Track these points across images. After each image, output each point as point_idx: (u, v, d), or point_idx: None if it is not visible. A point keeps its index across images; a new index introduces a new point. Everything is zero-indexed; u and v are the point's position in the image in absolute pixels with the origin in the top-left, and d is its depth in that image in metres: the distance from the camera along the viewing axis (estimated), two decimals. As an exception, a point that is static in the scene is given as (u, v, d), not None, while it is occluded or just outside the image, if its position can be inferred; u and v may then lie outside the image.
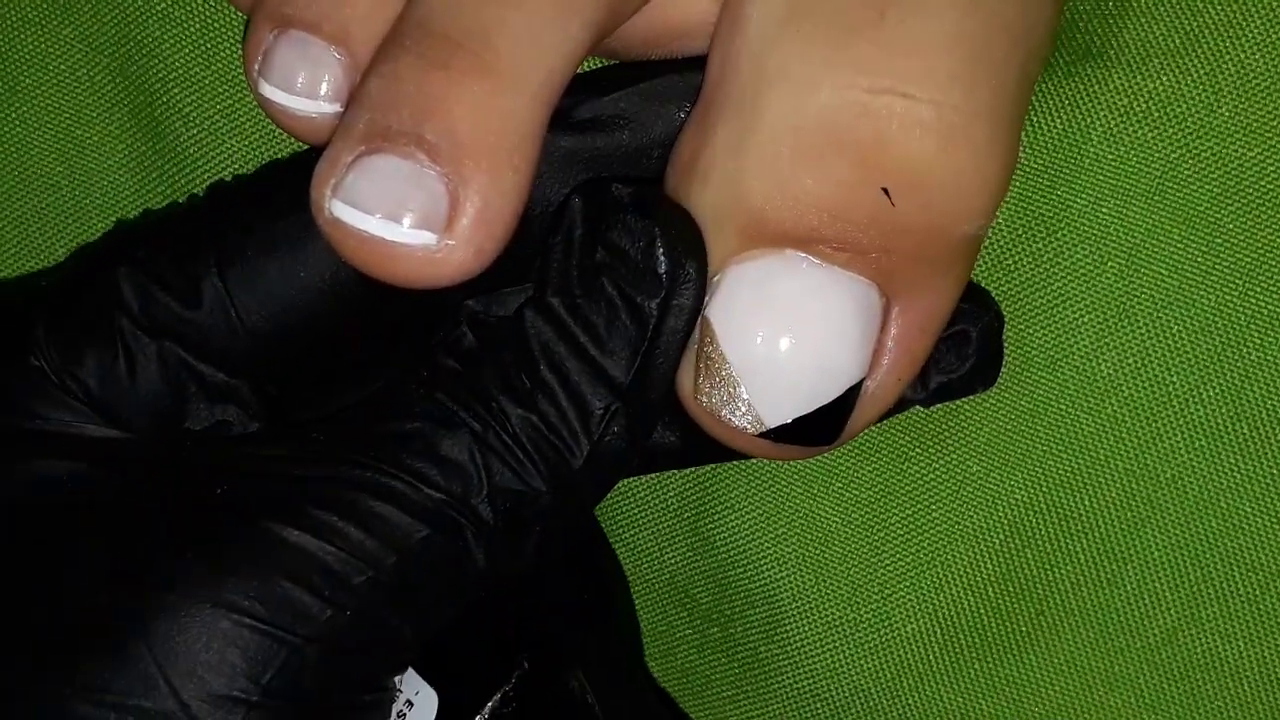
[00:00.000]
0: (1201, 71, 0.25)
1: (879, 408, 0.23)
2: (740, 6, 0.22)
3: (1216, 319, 0.26)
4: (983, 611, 0.28)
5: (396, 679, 0.22)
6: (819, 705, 0.29)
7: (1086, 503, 0.27)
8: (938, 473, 0.28)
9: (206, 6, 0.28)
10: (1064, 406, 0.27)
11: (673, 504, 0.29)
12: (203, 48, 0.28)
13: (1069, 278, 0.26)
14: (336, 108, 0.23)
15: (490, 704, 0.24)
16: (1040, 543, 0.27)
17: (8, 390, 0.23)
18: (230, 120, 0.28)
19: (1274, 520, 0.26)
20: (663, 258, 0.21)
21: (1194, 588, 0.27)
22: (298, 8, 0.23)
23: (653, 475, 0.29)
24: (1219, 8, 0.25)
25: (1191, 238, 0.26)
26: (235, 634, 0.20)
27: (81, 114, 0.28)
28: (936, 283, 0.22)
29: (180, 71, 0.28)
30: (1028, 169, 0.26)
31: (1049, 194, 0.26)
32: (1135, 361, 0.26)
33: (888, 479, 0.28)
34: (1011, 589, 0.28)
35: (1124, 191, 0.26)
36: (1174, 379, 0.26)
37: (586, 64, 0.24)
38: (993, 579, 0.28)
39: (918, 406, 0.25)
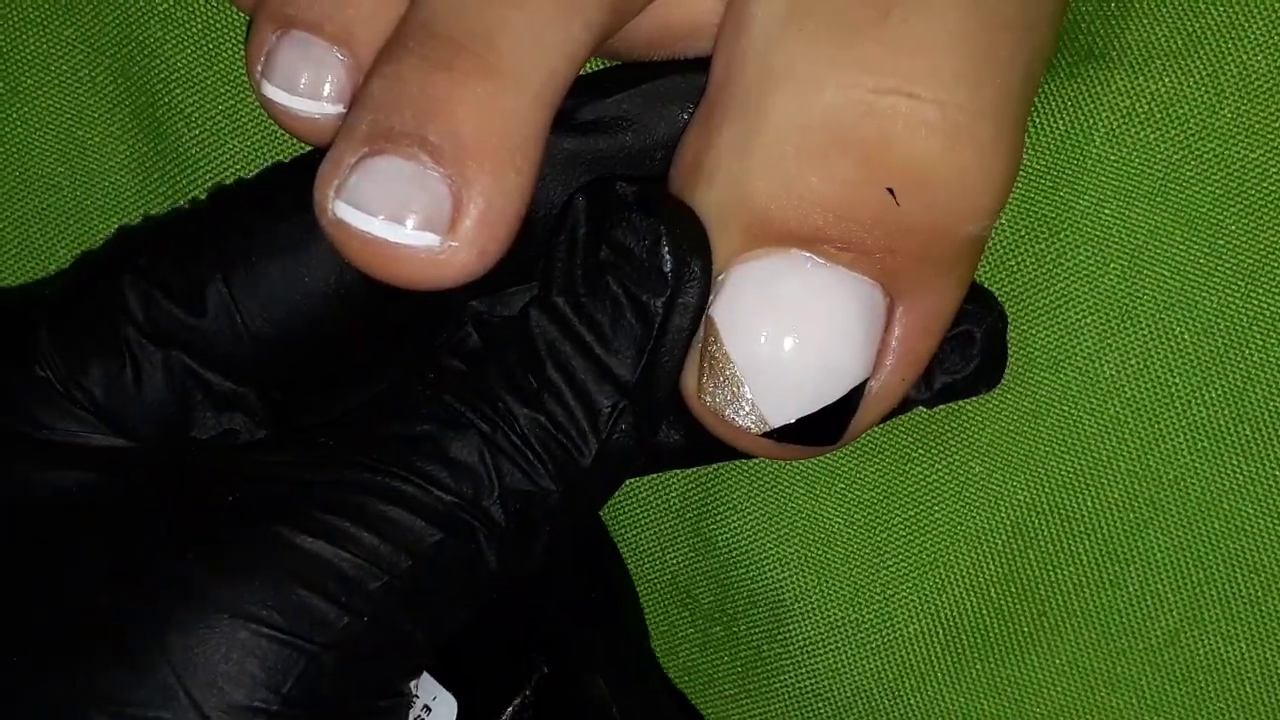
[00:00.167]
0: (1204, 73, 0.25)
1: (883, 408, 0.23)
2: (744, 6, 0.22)
3: (1219, 320, 0.26)
4: (985, 612, 0.28)
5: (412, 684, 0.22)
6: (821, 705, 0.29)
7: (1089, 504, 0.27)
8: (940, 474, 0.28)
9: (208, 7, 0.27)
10: (1066, 408, 0.27)
11: (675, 504, 0.29)
12: (205, 48, 0.28)
13: (1071, 279, 0.26)
14: (339, 109, 0.23)
15: (510, 709, 0.24)
16: (1043, 544, 0.27)
17: (14, 400, 0.23)
18: (232, 121, 0.28)
19: (1276, 521, 0.26)
20: (668, 256, 0.21)
21: (1196, 589, 0.27)
22: (300, 8, 0.23)
23: (655, 475, 0.29)
24: (1221, 9, 0.25)
25: (1194, 239, 0.26)
26: (254, 644, 0.20)
27: (83, 114, 0.28)
28: (941, 283, 0.22)
29: (182, 72, 0.28)
30: (1030, 170, 0.26)
31: (1051, 195, 0.26)
32: (1138, 363, 0.26)
33: (890, 480, 0.28)
34: (1014, 590, 0.28)
35: (1126, 193, 0.26)
36: (1176, 380, 0.26)
37: (589, 65, 0.24)
38: (995, 580, 0.28)
39: (921, 407, 0.25)
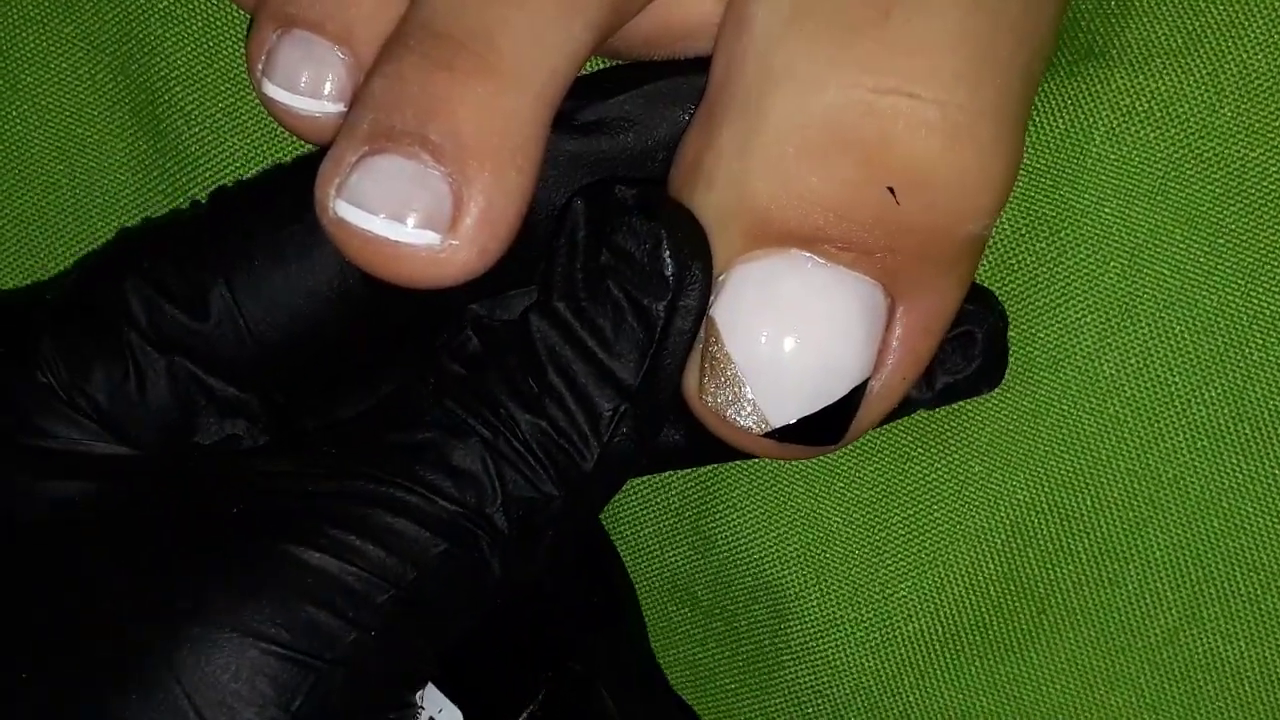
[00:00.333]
0: (1204, 71, 0.25)
1: (884, 408, 0.23)
2: (745, 6, 0.22)
3: (1219, 319, 0.26)
4: (984, 611, 0.28)
5: (418, 695, 0.22)
6: (821, 701, 0.29)
7: (1088, 503, 0.27)
8: (939, 473, 0.28)
9: (209, 5, 0.27)
10: (1066, 407, 0.27)
11: (674, 503, 0.29)
12: (205, 46, 0.28)
13: (1071, 277, 0.26)
14: (340, 107, 0.23)
15: None
16: (1042, 542, 0.27)
17: (14, 406, 0.23)
18: (232, 119, 0.28)
19: (1275, 520, 0.26)
20: (669, 260, 0.21)
21: (1195, 587, 0.27)
22: (301, 7, 0.23)
23: (655, 475, 0.29)
24: (1221, 8, 0.25)
25: (1194, 238, 0.26)
26: (263, 662, 0.20)
27: (82, 112, 0.28)
28: (941, 282, 0.22)
29: (182, 70, 0.28)
30: (1030, 169, 0.26)
31: (1051, 194, 0.26)
32: (1138, 362, 0.26)
33: (889, 479, 0.28)
34: (1013, 588, 0.28)
35: (1126, 191, 0.26)
36: (1176, 379, 0.26)
37: (590, 65, 0.24)
38: (994, 578, 0.28)
39: (922, 408, 0.25)
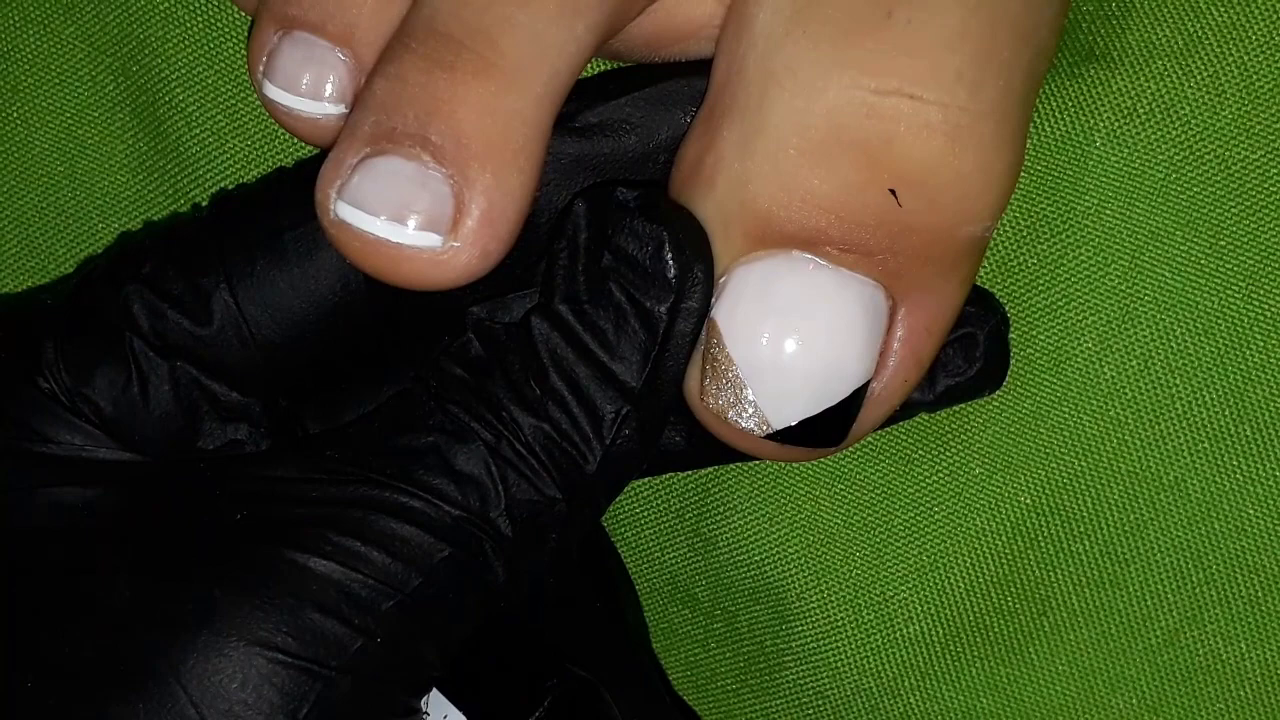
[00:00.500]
0: (1205, 74, 0.25)
1: (885, 410, 0.23)
2: (746, 8, 0.22)
3: (1219, 322, 0.26)
4: (985, 612, 0.28)
5: (424, 701, 0.22)
6: (822, 703, 0.29)
7: (1089, 505, 0.27)
8: (940, 475, 0.28)
9: (210, 6, 0.27)
10: (1067, 409, 0.27)
11: (675, 505, 0.29)
12: (206, 47, 0.28)
13: (1072, 279, 0.26)
14: (341, 109, 0.23)
15: None
16: (1043, 544, 0.27)
17: (17, 413, 0.23)
18: (233, 121, 0.28)
19: (1276, 522, 0.26)
20: (671, 262, 0.21)
21: (1196, 589, 0.27)
22: (302, 8, 0.23)
23: (656, 476, 0.29)
24: (1222, 10, 0.25)
25: (1195, 240, 0.26)
26: (270, 671, 0.20)
27: (83, 113, 0.28)
28: (943, 284, 0.22)
29: (183, 71, 0.28)
30: (1031, 171, 0.26)
31: (1052, 196, 0.26)
32: (1139, 364, 0.26)
33: (890, 481, 0.28)
34: (1014, 590, 0.28)
35: (1127, 193, 0.26)
36: (1177, 381, 0.26)
37: (591, 67, 0.24)
38: (995, 580, 0.28)
39: (923, 411, 0.25)
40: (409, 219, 0.21)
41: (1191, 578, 0.27)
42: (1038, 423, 0.27)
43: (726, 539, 0.29)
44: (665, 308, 0.21)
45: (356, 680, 0.20)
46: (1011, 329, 0.26)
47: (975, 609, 0.28)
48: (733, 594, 0.29)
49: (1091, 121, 0.26)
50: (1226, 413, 0.26)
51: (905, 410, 0.24)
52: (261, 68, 0.23)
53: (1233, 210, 0.25)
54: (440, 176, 0.21)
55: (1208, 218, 0.26)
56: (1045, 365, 0.27)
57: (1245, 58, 0.25)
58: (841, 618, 0.28)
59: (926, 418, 0.27)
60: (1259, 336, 0.26)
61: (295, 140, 0.27)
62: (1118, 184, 0.26)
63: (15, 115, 0.28)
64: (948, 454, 0.27)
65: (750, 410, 0.22)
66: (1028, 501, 0.27)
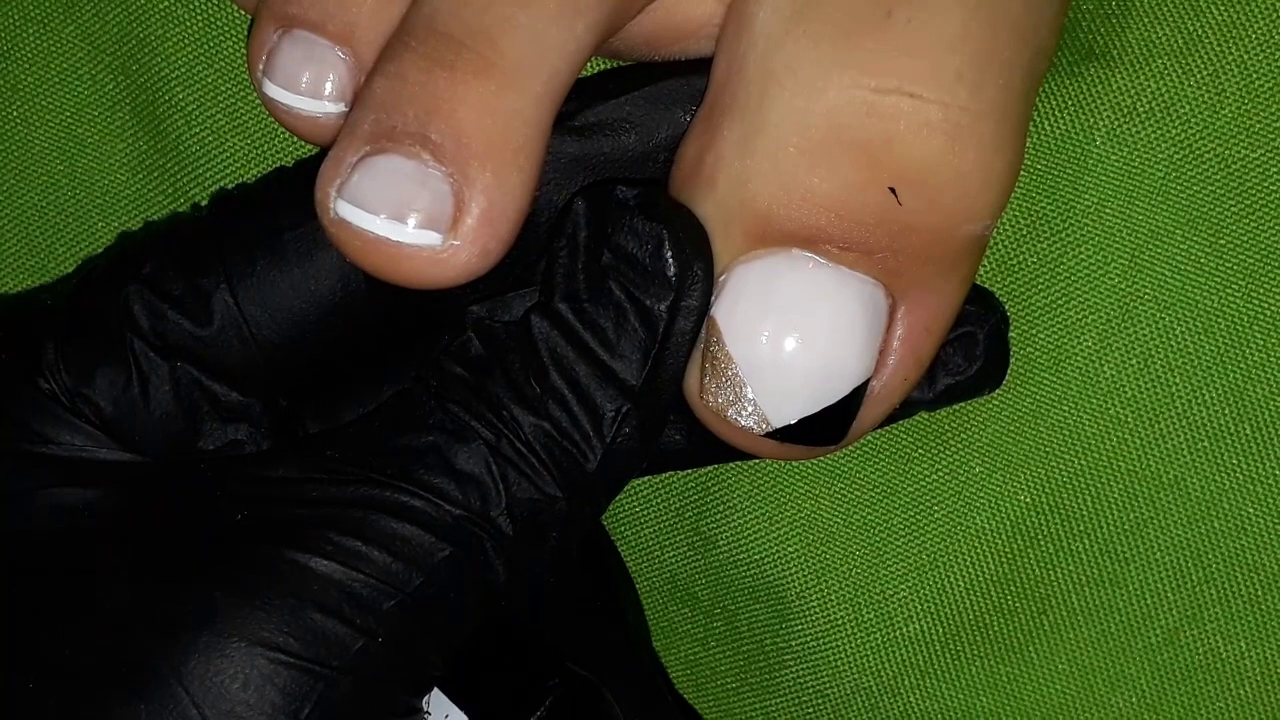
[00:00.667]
0: (1205, 72, 0.25)
1: (884, 408, 0.23)
2: (746, 7, 0.22)
3: (1219, 320, 0.26)
4: (985, 611, 0.28)
5: (425, 700, 0.22)
6: (822, 701, 0.29)
7: (1089, 503, 0.27)
8: (940, 473, 0.28)
9: (210, 5, 0.27)
10: (1067, 407, 0.27)
11: (674, 504, 0.29)
12: (205, 46, 0.28)
13: (1072, 278, 0.26)
14: (341, 108, 0.23)
15: None
16: (1043, 543, 0.27)
17: (18, 414, 0.23)
18: (233, 119, 0.28)
19: (1276, 521, 0.26)
20: (671, 260, 0.21)
21: (1196, 588, 0.27)
22: (302, 7, 0.23)
23: (655, 475, 0.29)
24: (1222, 9, 0.25)
25: (1194, 239, 0.26)
26: (272, 671, 0.20)
27: (83, 112, 0.28)
28: (943, 283, 0.22)
29: (183, 70, 0.28)
30: (1031, 169, 0.26)
31: (1052, 194, 0.26)
32: (1138, 362, 0.26)
33: (890, 480, 0.28)
34: (1014, 589, 0.28)
35: (1127, 192, 0.26)
36: (1177, 380, 0.26)
37: (590, 66, 0.24)
38: (995, 579, 0.28)
39: (923, 410, 0.25)
40: (409, 217, 0.21)
41: (1191, 576, 0.27)
42: (1037, 421, 0.27)
43: (726, 538, 0.29)
44: (665, 306, 0.21)
45: (358, 680, 0.20)
46: (1011, 327, 0.26)
47: (975, 607, 0.28)
48: (732, 593, 0.29)
49: (1091, 120, 0.26)
50: (1226, 411, 0.26)
51: (905, 409, 0.24)
52: (261, 66, 0.23)
53: (1232, 209, 0.25)
54: (440, 175, 0.21)
55: (1207, 216, 0.26)
56: (1045, 364, 0.27)
57: (1245, 56, 0.25)
58: (841, 616, 0.28)
59: (926, 416, 0.27)
60: (1259, 335, 0.26)
61: (295, 139, 0.27)
62: (1117, 183, 0.26)
63: (15, 114, 0.28)
64: (947, 452, 0.27)
65: (750, 408, 0.22)
66: (1027, 500, 0.27)
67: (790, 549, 0.28)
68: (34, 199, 0.29)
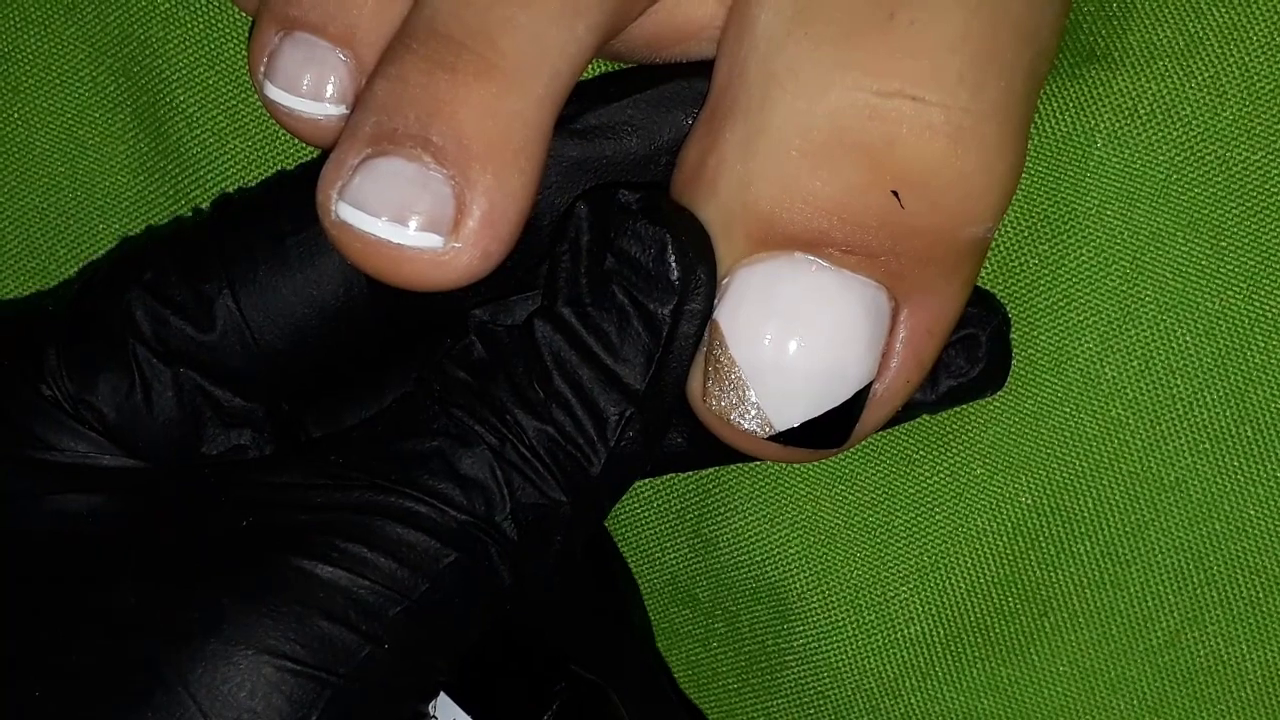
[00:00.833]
0: (1206, 74, 0.25)
1: (887, 411, 0.23)
2: (747, 9, 0.22)
3: (1221, 322, 0.26)
4: (986, 613, 0.28)
5: (431, 705, 0.22)
6: (823, 702, 0.29)
7: (1090, 505, 0.27)
8: (941, 475, 0.28)
9: (211, 7, 0.27)
10: (1068, 409, 0.27)
11: (675, 505, 0.29)
12: (207, 48, 0.28)
13: (1073, 280, 0.26)
14: (342, 110, 0.23)
15: None
16: (1044, 545, 0.27)
17: (21, 421, 0.23)
18: (234, 121, 0.28)
19: (1278, 523, 0.26)
20: (674, 264, 0.21)
21: (1197, 591, 0.27)
22: (303, 9, 0.23)
23: (657, 476, 0.29)
24: (1223, 10, 0.25)
25: (1196, 241, 0.26)
26: (279, 679, 0.20)
27: (84, 114, 0.28)
28: (945, 285, 0.22)
29: (184, 72, 0.28)
30: (1032, 171, 0.26)
31: (1053, 196, 0.26)
32: (1139, 364, 0.26)
33: (891, 481, 0.28)
34: (1015, 591, 0.28)
35: (1128, 194, 0.26)
36: (1178, 382, 0.26)
37: (592, 68, 0.24)
38: (996, 581, 0.28)
39: (925, 412, 0.25)
40: (410, 220, 0.21)
41: (1193, 579, 0.27)
42: (1039, 423, 0.27)
43: (727, 539, 0.29)
44: (668, 310, 0.21)
45: (364, 687, 0.20)
46: (1012, 330, 0.26)
47: (976, 610, 0.28)
48: (734, 594, 0.29)
49: (1092, 122, 0.26)
50: (1227, 413, 0.26)
51: (908, 411, 0.24)
52: (262, 68, 0.23)
53: (1234, 211, 0.25)
54: (441, 177, 0.21)
55: (1209, 219, 0.26)
56: (1046, 366, 0.27)
57: (1246, 58, 0.25)
58: (842, 618, 0.28)
59: (927, 418, 0.27)
60: (1260, 337, 0.26)
61: (296, 141, 0.27)
62: (1119, 185, 0.26)
63: (16, 116, 0.28)
64: (949, 454, 0.27)
65: (753, 412, 0.22)
66: (1029, 502, 0.27)
67: (791, 551, 0.28)
68: (35, 201, 0.29)
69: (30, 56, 0.28)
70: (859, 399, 0.22)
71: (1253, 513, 0.26)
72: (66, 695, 0.20)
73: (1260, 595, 0.26)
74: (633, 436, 0.22)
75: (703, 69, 0.23)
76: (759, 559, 0.29)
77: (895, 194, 0.21)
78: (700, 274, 0.21)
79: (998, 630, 0.28)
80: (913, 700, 0.29)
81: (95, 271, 0.24)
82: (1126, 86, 0.25)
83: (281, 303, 0.23)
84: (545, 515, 0.21)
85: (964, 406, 0.27)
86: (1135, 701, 0.28)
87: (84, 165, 0.28)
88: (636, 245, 0.21)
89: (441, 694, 0.23)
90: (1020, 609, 0.28)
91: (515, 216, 0.21)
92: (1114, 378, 0.26)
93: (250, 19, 0.27)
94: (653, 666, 0.29)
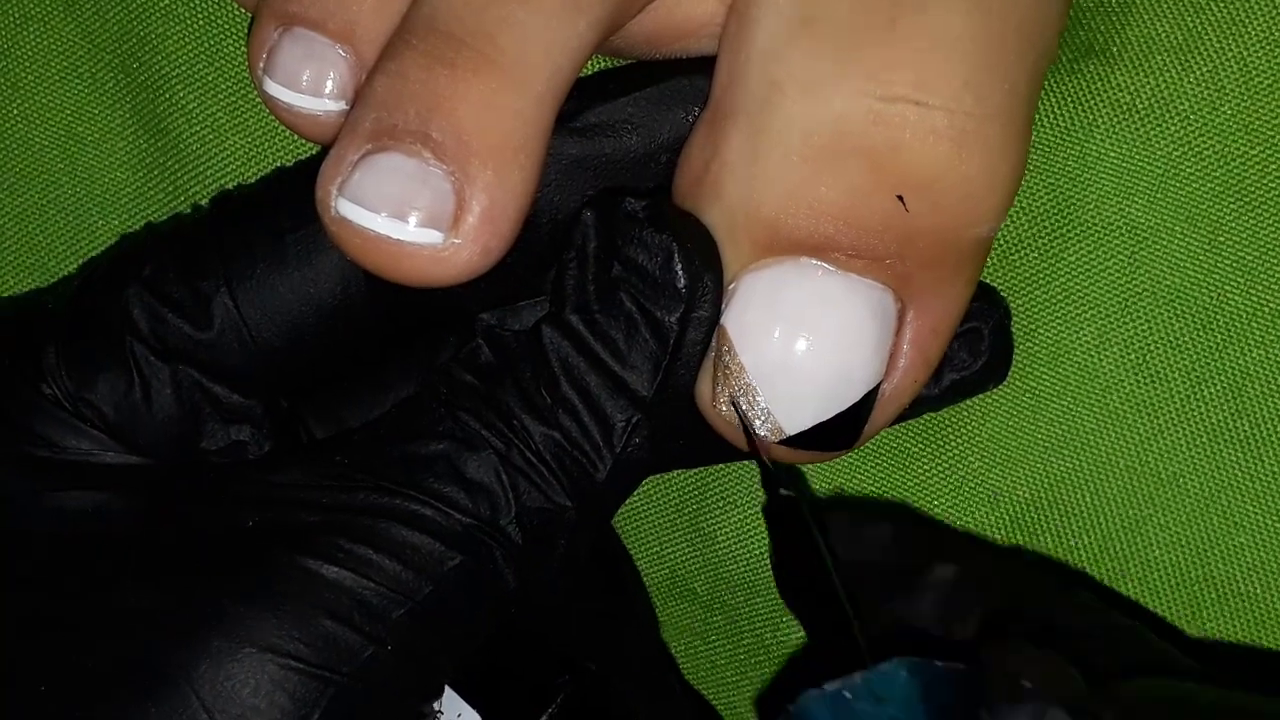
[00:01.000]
0: (1204, 69, 0.25)
1: (894, 410, 0.23)
2: (747, 12, 0.22)
3: (1218, 316, 0.26)
4: (984, 607, 0.28)
5: (436, 703, 0.22)
6: (821, 697, 0.29)
7: (1087, 500, 0.27)
8: (939, 469, 0.28)
9: (210, 3, 0.27)
10: (1065, 403, 0.27)
11: (674, 499, 0.29)
12: (206, 44, 0.27)
13: (1071, 274, 0.26)
14: (342, 106, 0.23)
15: None
16: (1041, 539, 0.27)
17: (22, 420, 0.23)
18: (233, 118, 0.28)
19: (1274, 518, 0.26)
20: (681, 272, 0.21)
21: (1194, 585, 0.27)
22: (303, 5, 0.22)
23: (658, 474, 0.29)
24: (1222, 6, 0.25)
25: (1193, 235, 0.26)
26: (282, 678, 0.20)
27: (83, 110, 0.28)
28: (950, 285, 0.22)
29: (183, 68, 0.28)
30: (1031, 166, 0.26)
31: (1052, 191, 0.26)
32: (1137, 358, 0.26)
33: (889, 475, 0.28)
34: (1012, 585, 0.28)
35: (1126, 189, 0.26)
36: (1175, 376, 0.26)
37: (592, 64, 0.24)
38: (994, 575, 0.28)
39: (929, 409, 0.25)
40: (410, 216, 0.21)
41: (1190, 573, 0.27)
42: (1036, 417, 0.27)
43: (726, 533, 0.29)
44: (676, 318, 0.21)
45: (367, 687, 0.20)
46: (1011, 323, 0.26)
47: (974, 603, 0.28)
48: (732, 588, 0.29)
49: (1091, 117, 0.26)
50: (1224, 407, 0.26)
51: (913, 408, 0.24)
52: (262, 64, 0.23)
53: (1231, 206, 0.26)
54: (441, 173, 0.21)
55: (1206, 213, 0.26)
56: (1044, 359, 0.27)
57: (1244, 53, 0.25)
58: (841, 612, 0.28)
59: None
60: (1257, 332, 0.26)
61: (296, 137, 0.27)
62: (1117, 179, 0.26)
63: (15, 112, 0.28)
64: (946, 448, 0.27)
65: (763, 416, 0.22)
66: (1026, 496, 0.27)
67: (790, 545, 0.28)
68: (34, 197, 0.29)
69: (29, 53, 0.28)
70: (867, 400, 0.22)
71: (1249, 507, 0.26)
72: (71, 693, 0.20)
73: (1258, 591, 0.27)
74: (639, 443, 0.22)
75: (703, 65, 0.23)
76: (757, 553, 0.29)
77: (900, 198, 0.21)
78: (707, 281, 0.21)
79: (995, 623, 0.28)
80: (910, 692, 0.29)
81: (94, 269, 0.24)
82: (1125, 81, 0.26)
83: (279, 300, 0.23)
84: (550, 520, 0.22)
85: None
86: (1132, 695, 0.28)
87: (83, 161, 0.28)
88: (643, 253, 0.21)
89: (447, 688, 0.23)
90: (1018, 603, 0.28)
91: (515, 212, 0.21)
92: (1112, 371, 0.26)
93: (249, 15, 0.27)
94: (660, 662, 0.29)
